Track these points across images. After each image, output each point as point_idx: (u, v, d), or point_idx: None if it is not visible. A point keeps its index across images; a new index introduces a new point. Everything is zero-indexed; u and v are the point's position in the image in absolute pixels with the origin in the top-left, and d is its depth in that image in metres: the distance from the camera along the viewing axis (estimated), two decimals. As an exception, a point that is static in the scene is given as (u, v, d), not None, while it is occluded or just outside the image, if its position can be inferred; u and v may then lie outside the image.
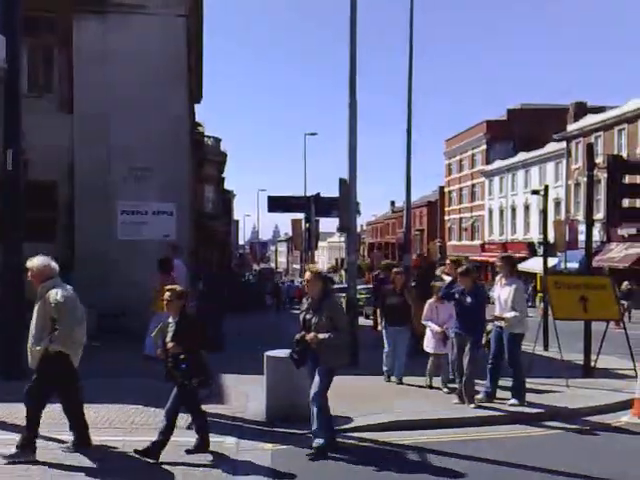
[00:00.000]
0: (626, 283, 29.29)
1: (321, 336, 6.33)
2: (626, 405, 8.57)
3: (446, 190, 65.65)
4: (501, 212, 53.00)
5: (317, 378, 6.44)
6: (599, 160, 29.40)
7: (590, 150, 11.62)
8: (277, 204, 15.48)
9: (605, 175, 13.06)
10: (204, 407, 6.54)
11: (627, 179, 12.60)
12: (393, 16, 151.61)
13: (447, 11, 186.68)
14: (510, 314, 8.63)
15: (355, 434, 7.29)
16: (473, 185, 59.01)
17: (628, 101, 37.66)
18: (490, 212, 55.07)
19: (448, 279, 9.41)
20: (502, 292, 8.83)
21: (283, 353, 7.31)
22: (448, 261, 10.44)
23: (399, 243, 54.87)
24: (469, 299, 8.44)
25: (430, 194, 72.75)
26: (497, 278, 9.21)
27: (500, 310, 8.82)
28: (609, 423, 8.15)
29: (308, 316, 6.55)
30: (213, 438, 6.48)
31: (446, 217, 65.27)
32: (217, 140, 43.27)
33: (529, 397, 8.85)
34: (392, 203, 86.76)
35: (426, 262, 22.68)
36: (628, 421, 8.19)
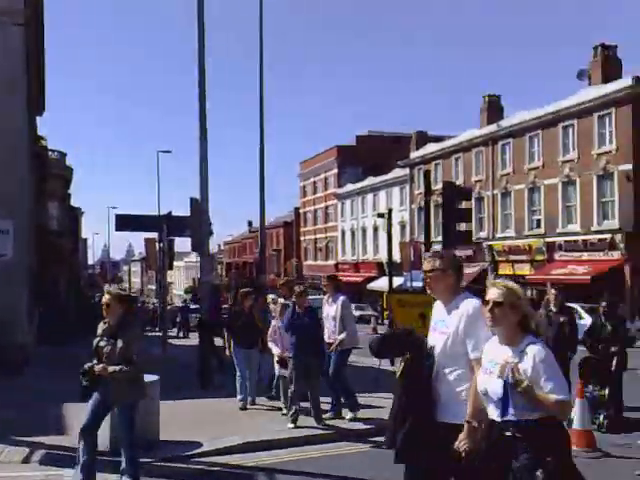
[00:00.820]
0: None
1: (111, 368, 5.63)
2: None
3: (301, 211, 67.06)
4: (353, 233, 55.03)
5: (121, 417, 5.84)
6: (437, 187, 31.58)
7: (427, 177, 12.47)
8: (125, 222, 14.90)
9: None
10: (42, 438, 6.16)
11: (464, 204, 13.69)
12: (245, 36, 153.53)
13: (299, 33, 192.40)
14: (341, 336, 8.91)
15: (204, 459, 7.20)
16: (327, 207, 60.83)
17: (464, 132, 40.98)
18: (343, 233, 57.00)
19: (281, 301, 9.56)
20: (330, 310, 9.17)
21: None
22: (282, 282, 10.52)
23: (256, 263, 55.06)
24: (307, 319, 8.55)
25: (286, 215, 73.93)
26: (325, 298, 9.58)
27: (332, 328, 9.03)
28: None
29: (102, 343, 5.84)
30: (50, 471, 6.11)
31: (302, 237, 66.58)
32: (62, 154, 41.08)
33: (370, 413, 9.09)
34: (249, 223, 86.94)
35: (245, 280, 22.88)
36: None
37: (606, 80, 30.29)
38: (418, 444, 3.82)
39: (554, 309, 9.66)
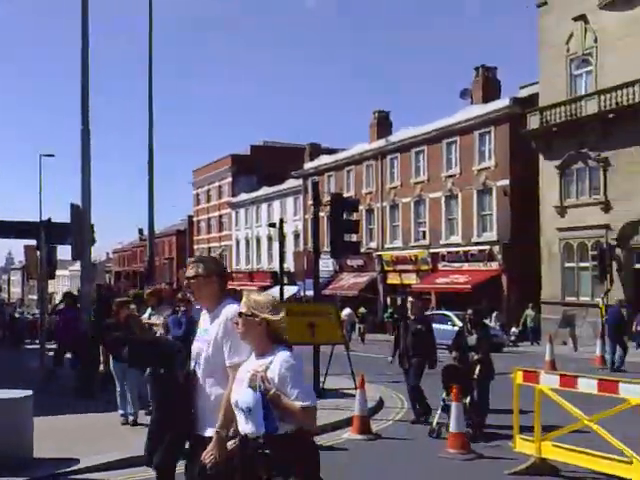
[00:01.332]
0: (362, 309, 32.43)
1: None
2: (349, 422, 9.20)
3: (195, 219, 66.00)
4: (247, 242, 54.86)
5: None
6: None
7: (316, 188, 12.72)
8: (-1, 229, 14.01)
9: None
10: None
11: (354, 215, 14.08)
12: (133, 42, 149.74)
13: (189, 48, 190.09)
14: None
15: (81, 476, 6.94)
16: (221, 216, 60.26)
17: (355, 145, 42.09)
18: (237, 242, 56.67)
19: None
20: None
21: (12, 393, 6.64)
22: (149, 291, 9.85)
23: (145, 272, 53.48)
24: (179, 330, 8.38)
25: (180, 223, 72.45)
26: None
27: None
28: (329, 443, 8.50)
29: None
30: None
31: (195, 246, 65.47)
32: None
33: None
34: (140, 231, 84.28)
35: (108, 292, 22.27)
36: (348, 438, 8.80)
37: (486, 100, 32.20)
38: (176, 460, 3.58)
39: (412, 317, 9.95)
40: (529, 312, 26.95)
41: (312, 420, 3.26)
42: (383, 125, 40.28)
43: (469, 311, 10.14)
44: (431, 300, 32.13)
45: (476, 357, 9.27)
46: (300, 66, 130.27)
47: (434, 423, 8.83)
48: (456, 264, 32.11)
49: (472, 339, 9.52)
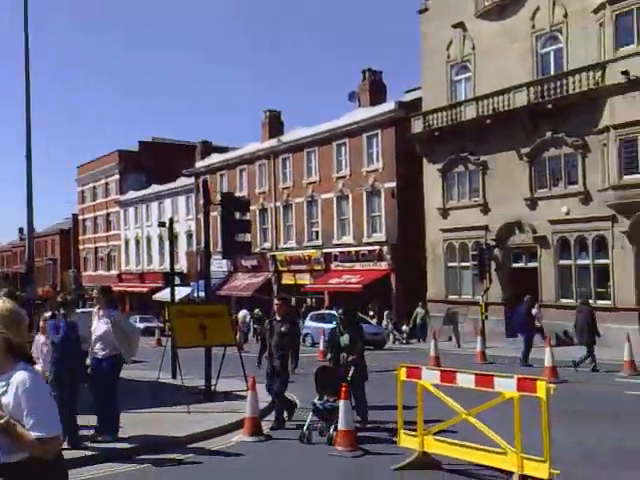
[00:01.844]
0: (257, 310, 32.12)
1: None
2: (240, 425, 9.18)
3: (80, 218, 63.12)
4: (137, 242, 53.17)
5: None
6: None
7: (205, 187, 12.57)
8: None
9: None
10: None
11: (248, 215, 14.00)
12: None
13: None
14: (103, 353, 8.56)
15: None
16: (108, 214, 58.01)
17: (248, 144, 41.95)
18: (126, 242, 54.79)
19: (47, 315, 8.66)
20: (98, 326, 8.71)
21: None
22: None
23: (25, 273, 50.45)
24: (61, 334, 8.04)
25: (64, 222, 69.01)
26: (94, 310, 9.16)
27: (99, 345, 8.60)
28: (218, 446, 8.52)
29: None
30: None
31: (81, 246, 62.65)
32: None
33: (138, 429, 8.86)
34: (20, 230, 79.65)
35: None
36: (238, 441, 8.79)
37: (373, 103, 33.14)
38: None
39: (277, 318, 9.81)
40: (419, 310, 27.99)
41: (49, 451, 2.88)
42: (275, 124, 40.43)
43: (340, 310, 10.03)
44: (325, 300, 32.65)
45: (350, 358, 9.15)
46: (194, 66, 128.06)
47: (305, 427, 8.63)
48: (348, 264, 32.82)
49: (345, 339, 9.42)
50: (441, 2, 28.84)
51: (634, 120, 20.60)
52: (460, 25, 27.80)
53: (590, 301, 22.59)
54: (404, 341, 27.61)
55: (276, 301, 10.29)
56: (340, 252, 33.48)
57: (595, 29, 22.23)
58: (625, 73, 20.66)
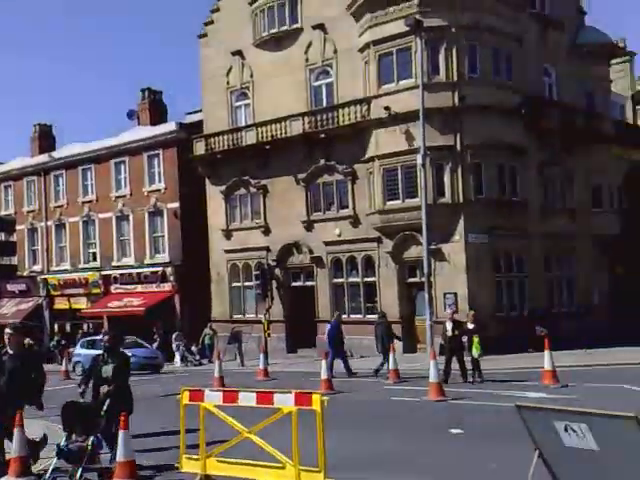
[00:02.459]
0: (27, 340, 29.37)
1: None
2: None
3: None
4: None
5: None
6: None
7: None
8: None
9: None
10: None
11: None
12: None
13: None
14: None
15: None
16: None
17: (14, 159, 38.67)
18: None
19: None
20: None
21: None
22: None
23: None
24: None
25: None
26: None
27: None
28: None
29: None
30: None
31: None
32: None
33: None
34: None
35: None
36: None
37: (154, 122, 32.68)
38: None
39: (10, 351, 8.37)
40: (207, 331, 27.90)
41: None
42: (45, 139, 37.87)
43: (105, 337, 8.96)
44: (104, 325, 31.08)
45: (107, 389, 8.27)
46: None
47: (48, 474, 7.64)
48: (130, 286, 31.71)
49: (108, 369, 8.47)
50: (220, 29, 29.48)
51: (395, 151, 22.92)
52: (239, 53, 28.66)
53: (359, 316, 24.62)
54: (197, 362, 27.38)
55: (7, 330, 8.49)
56: (121, 274, 32.24)
57: (361, 66, 24.41)
58: (387, 109, 22.95)
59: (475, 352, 15.59)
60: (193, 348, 28.08)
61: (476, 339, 15.69)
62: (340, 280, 25.43)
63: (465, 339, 16.01)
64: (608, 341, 21.15)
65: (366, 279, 24.68)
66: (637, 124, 34.23)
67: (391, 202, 23.16)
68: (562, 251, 25.66)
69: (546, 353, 14.39)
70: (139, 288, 31.42)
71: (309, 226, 26.07)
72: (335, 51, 25.81)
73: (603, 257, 27.05)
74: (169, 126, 31.44)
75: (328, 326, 19.23)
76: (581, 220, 26.08)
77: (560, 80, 26.89)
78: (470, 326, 16.32)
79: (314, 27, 26.17)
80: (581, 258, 26.16)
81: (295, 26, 26.89)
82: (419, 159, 20.44)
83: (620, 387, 13.53)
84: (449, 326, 16.19)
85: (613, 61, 30.42)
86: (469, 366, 15.84)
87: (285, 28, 27.12)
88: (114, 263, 32.65)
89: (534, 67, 25.58)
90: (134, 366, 13.29)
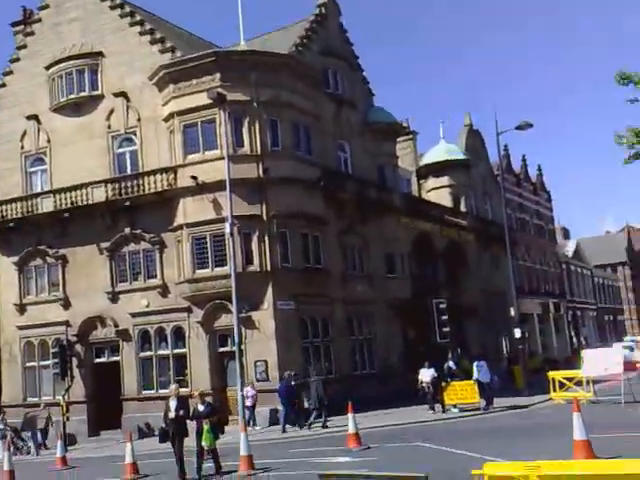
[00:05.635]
0: None
1: None
2: None
3: None
4: None
5: None
6: None
7: None
8: None
9: None
10: None
11: None
12: None
13: None
14: None
15: None
16: None
17: None
18: None
19: None
20: None
21: None
22: None
23: None
24: None
25: None
26: None
27: None
28: None
29: None
30: None
31: None
32: None
33: None
34: None
35: None
36: None
37: None
38: None
39: None
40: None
41: None
42: None
43: None
44: None
45: None
46: None
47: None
48: None
49: None
50: (13, 92, 28.03)
51: (203, 220, 22.98)
52: (34, 117, 27.29)
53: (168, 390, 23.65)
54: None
55: None
56: None
57: (167, 135, 24.39)
58: (194, 178, 23.07)
59: (205, 443, 12.81)
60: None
61: (206, 426, 12.81)
62: (148, 353, 24.42)
63: (195, 424, 13.27)
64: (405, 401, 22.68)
65: (176, 350, 23.98)
66: (421, 197, 38.08)
67: (201, 271, 23.03)
68: (362, 315, 27.28)
69: (349, 416, 14.99)
70: None
71: (114, 297, 24.90)
72: (139, 119, 25.52)
73: (397, 320, 29.13)
74: None
75: (278, 385, 20.96)
76: (377, 285, 28.03)
77: (354, 155, 29.19)
78: (200, 408, 13.35)
79: (116, 95, 25.76)
80: (379, 322, 27.96)
81: (95, 93, 26.29)
82: (227, 228, 20.64)
83: (417, 445, 14.53)
84: (173, 404, 13.19)
85: (399, 139, 33.78)
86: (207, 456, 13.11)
87: (85, 94, 26.39)
88: None
89: (331, 142, 27.56)
90: None
